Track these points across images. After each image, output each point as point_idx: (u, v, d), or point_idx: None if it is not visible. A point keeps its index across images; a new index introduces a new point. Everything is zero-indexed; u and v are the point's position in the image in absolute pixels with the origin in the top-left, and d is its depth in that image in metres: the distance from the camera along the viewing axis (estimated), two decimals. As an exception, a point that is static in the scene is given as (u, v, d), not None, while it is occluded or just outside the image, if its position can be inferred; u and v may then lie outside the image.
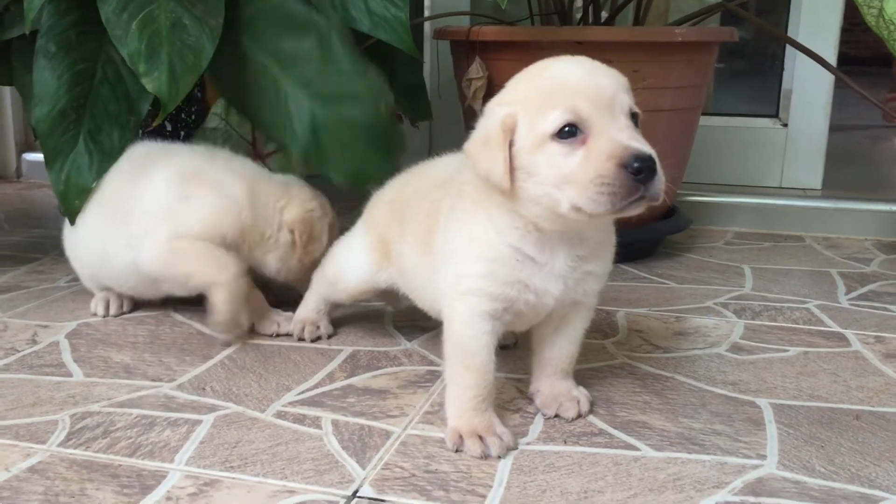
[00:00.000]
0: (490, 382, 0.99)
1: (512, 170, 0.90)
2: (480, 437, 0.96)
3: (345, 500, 0.87)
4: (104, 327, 1.37)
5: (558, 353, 1.07)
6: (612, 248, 1.03)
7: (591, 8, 1.80)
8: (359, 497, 0.88)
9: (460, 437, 0.97)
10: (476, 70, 1.71)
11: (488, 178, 0.91)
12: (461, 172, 1.01)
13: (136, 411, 1.07)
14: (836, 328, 1.40)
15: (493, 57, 1.71)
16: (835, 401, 1.12)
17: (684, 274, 1.72)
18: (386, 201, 1.19)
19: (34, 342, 1.30)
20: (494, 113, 0.93)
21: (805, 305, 1.52)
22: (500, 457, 0.95)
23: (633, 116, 0.91)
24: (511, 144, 0.90)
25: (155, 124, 1.34)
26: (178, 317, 1.42)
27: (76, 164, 1.42)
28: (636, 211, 0.89)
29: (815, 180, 2.24)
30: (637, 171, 0.84)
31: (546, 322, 1.05)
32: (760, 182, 2.28)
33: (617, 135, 0.86)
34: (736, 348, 1.31)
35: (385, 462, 0.95)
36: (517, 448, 0.98)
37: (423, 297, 1.11)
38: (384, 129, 1.32)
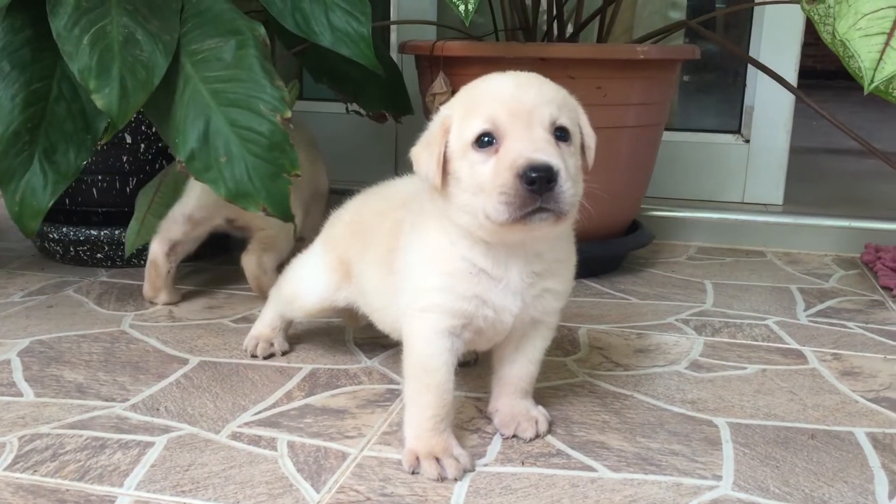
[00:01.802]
0: (449, 402, 0.99)
1: (445, 174, 0.93)
2: (437, 459, 0.96)
3: (298, 526, 0.86)
4: (58, 345, 1.34)
5: (518, 372, 1.07)
6: (572, 267, 1.03)
7: (555, 24, 1.81)
8: (312, 522, 0.86)
9: (417, 458, 0.96)
10: (440, 85, 1.71)
11: (426, 179, 0.94)
12: (422, 191, 1.01)
13: (86, 433, 1.04)
14: (794, 345, 1.41)
15: (458, 72, 1.71)
16: (791, 419, 1.12)
17: (646, 289, 1.73)
18: (345, 221, 1.18)
19: (-16, 360, 1.27)
20: (438, 116, 0.96)
21: (764, 322, 1.53)
22: (456, 479, 0.95)
23: (560, 130, 0.91)
24: (446, 147, 0.93)
25: (104, 141, 1.32)
26: (135, 333, 1.40)
27: (31, 185, 1.39)
28: (542, 225, 0.88)
29: (777, 196, 2.26)
30: (530, 181, 0.85)
31: (506, 341, 1.05)
32: (723, 197, 2.30)
33: (523, 145, 0.87)
34: (695, 366, 1.31)
35: (340, 485, 0.93)
36: (474, 470, 0.97)
37: (384, 317, 1.10)
38: (279, 145, 1.27)
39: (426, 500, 0.91)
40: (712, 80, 2.50)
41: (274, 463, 0.98)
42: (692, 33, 2.26)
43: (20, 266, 1.79)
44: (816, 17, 1.32)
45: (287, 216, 1.29)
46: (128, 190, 1.76)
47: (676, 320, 1.53)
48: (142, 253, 1.77)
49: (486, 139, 0.89)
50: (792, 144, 2.27)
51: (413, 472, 0.96)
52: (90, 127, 1.41)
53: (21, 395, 1.15)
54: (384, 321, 1.11)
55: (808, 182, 2.66)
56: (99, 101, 1.26)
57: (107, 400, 1.14)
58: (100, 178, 1.74)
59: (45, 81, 1.39)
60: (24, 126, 1.37)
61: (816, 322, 1.53)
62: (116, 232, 1.74)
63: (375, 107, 1.75)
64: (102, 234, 1.74)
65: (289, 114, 1.27)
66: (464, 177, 0.91)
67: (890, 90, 1.35)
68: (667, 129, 2.23)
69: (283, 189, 1.26)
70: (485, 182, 0.88)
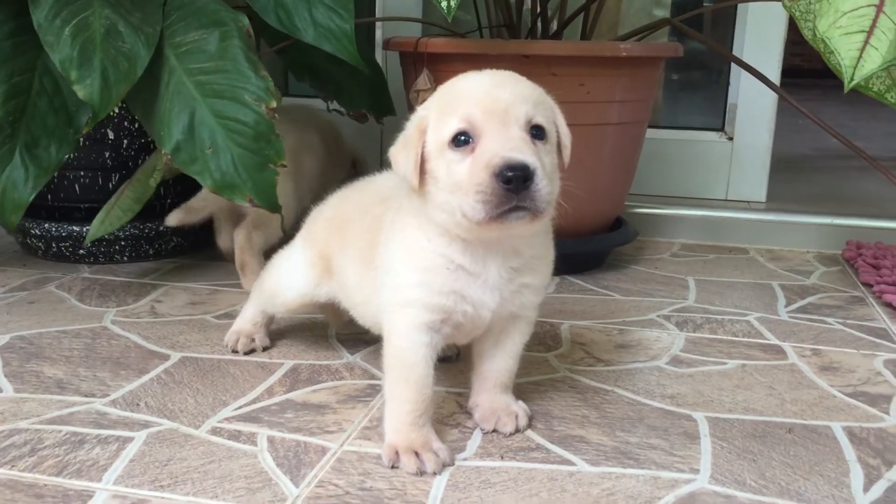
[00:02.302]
0: (428, 397, 0.99)
1: (423, 173, 0.93)
2: (417, 454, 0.96)
3: (276, 520, 0.86)
4: (38, 340, 1.33)
5: (497, 366, 1.07)
6: (549, 262, 1.04)
7: (539, 21, 1.81)
8: (290, 516, 0.87)
9: (396, 453, 0.97)
10: (424, 81, 1.71)
11: (404, 178, 0.94)
12: (401, 188, 1.01)
13: (66, 428, 1.04)
14: (774, 341, 1.42)
15: (441, 69, 1.71)
16: (769, 414, 1.13)
17: (630, 286, 1.74)
18: (326, 217, 1.19)
19: (-36, 356, 1.27)
20: (414, 116, 0.96)
21: (746, 318, 1.54)
22: (435, 473, 0.95)
23: (536, 128, 0.91)
24: (423, 147, 0.93)
25: (85, 131, 1.31)
26: (116, 329, 1.40)
27: (11, 179, 1.39)
28: (520, 223, 0.88)
29: (760, 193, 2.28)
30: (507, 180, 0.85)
31: (485, 336, 1.05)
32: (707, 195, 2.31)
33: (499, 144, 0.87)
34: (676, 361, 1.32)
35: (319, 479, 0.93)
36: (454, 464, 0.98)
37: (365, 312, 1.11)
38: (264, 136, 1.27)
39: (405, 494, 0.91)
40: (696, 77, 2.51)
41: (253, 458, 0.98)
42: (678, 32, 2.26)
43: (1, 262, 1.78)
44: (798, 14, 1.33)
45: (274, 207, 1.29)
46: (110, 186, 1.76)
47: (658, 316, 1.54)
48: (126, 249, 1.77)
49: (462, 138, 0.89)
50: (776, 143, 2.28)
51: (392, 467, 0.96)
52: (72, 121, 1.40)
53: (0, 390, 1.15)
54: (365, 316, 1.11)
55: (792, 180, 2.68)
56: (80, 91, 1.25)
57: (86, 395, 1.14)
58: (82, 173, 1.74)
59: (27, 75, 1.39)
60: (6, 119, 1.37)
61: (797, 318, 1.55)
62: (99, 228, 1.73)
63: (356, 106, 1.75)
64: (84, 230, 1.73)
65: (274, 104, 1.27)
66: (441, 176, 0.91)
67: (870, 85, 1.37)
68: (651, 127, 2.24)
69: (270, 179, 1.26)
70: (461, 181, 0.89)
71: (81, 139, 1.71)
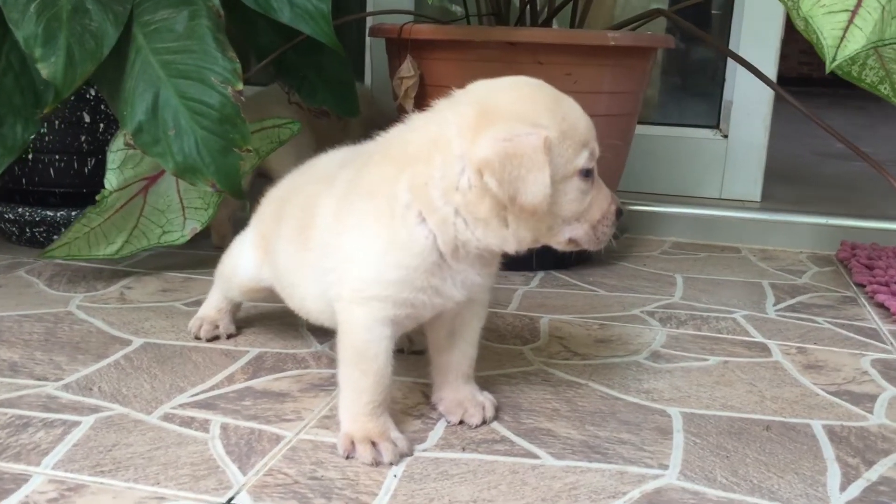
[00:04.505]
0: (386, 387, 0.95)
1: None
2: (373, 443, 0.92)
3: (218, 508, 0.82)
4: (-1, 324, 1.30)
5: (458, 357, 1.03)
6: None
7: (527, 9, 1.77)
8: (233, 504, 0.82)
9: (352, 442, 0.92)
10: (407, 69, 1.67)
11: (520, 200, 0.84)
12: (365, 170, 0.95)
13: (11, 411, 1.00)
14: (759, 338, 1.37)
15: (426, 56, 1.67)
16: (747, 411, 1.09)
17: (615, 282, 1.69)
18: (275, 197, 1.15)
19: (-81, 338, 1.23)
20: (523, 132, 0.85)
21: (732, 315, 1.50)
22: (392, 463, 0.91)
23: None
24: None
25: (47, 111, 1.27)
26: (81, 315, 1.36)
27: (-24, 159, 1.35)
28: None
29: (755, 192, 2.23)
30: (618, 216, 0.95)
31: (438, 325, 1.01)
32: (700, 193, 2.26)
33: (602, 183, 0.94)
34: (655, 356, 1.27)
35: (269, 468, 0.89)
36: (412, 455, 0.93)
37: (292, 295, 1.07)
38: (229, 119, 1.23)
39: (357, 485, 0.87)
40: (691, 73, 2.46)
41: (203, 444, 0.94)
42: (680, 27, 2.22)
43: (-24, 247, 1.74)
44: (790, 4, 1.28)
45: (237, 193, 1.25)
46: (86, 171, 1.72)
47: (642, 312, 1.49)
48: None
49: (590, 170, 0.91)
50: (776, 147, 2.24)
51: (348, 457, 0.92)
52: (39, 100, 1.37)
53: (-50, 372, 1.11)
54: (292, 298, 1.08)
55: (790, 182, 2.63)
56: (44, 70, 1.22)
57: (39, 379, 1.10)
58: (57, 157, 1.70)
59: (-7, 53, 1.35)
60: (-30, 98, 1.33)
61: (784, 316, 1.50)
62: (73, 213, 1.69)
63: (318, 102, 1.66)
64: (59, 215, 1.70)
65: (240, 86, 1.23)
66: (562, 202, 0.89)
67: (862, 76, 1.32)
68: (644, 123, 2.21)
69: (234, 164, 1.22)
70: (586, 211, 0.91)
71: (57, 122, 1.68)
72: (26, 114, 1.36)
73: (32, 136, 1.36)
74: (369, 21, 2.30)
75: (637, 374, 1.20)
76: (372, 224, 0.91)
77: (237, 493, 0.84)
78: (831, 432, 1.03)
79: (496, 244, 0.91)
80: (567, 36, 1.62)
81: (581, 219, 0.92)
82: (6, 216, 1.72)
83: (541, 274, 1.72)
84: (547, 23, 1.80)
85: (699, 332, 1.39)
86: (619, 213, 0.96)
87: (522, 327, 1.38)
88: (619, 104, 1.71)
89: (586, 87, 1.64)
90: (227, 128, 1.22)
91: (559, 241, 0.94)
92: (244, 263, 1.18)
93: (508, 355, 1.25)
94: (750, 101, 2.20)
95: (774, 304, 1.57)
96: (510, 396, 1.10)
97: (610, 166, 1.75)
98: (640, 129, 2.17)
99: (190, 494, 0.84)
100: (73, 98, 1.66)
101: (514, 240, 0.91)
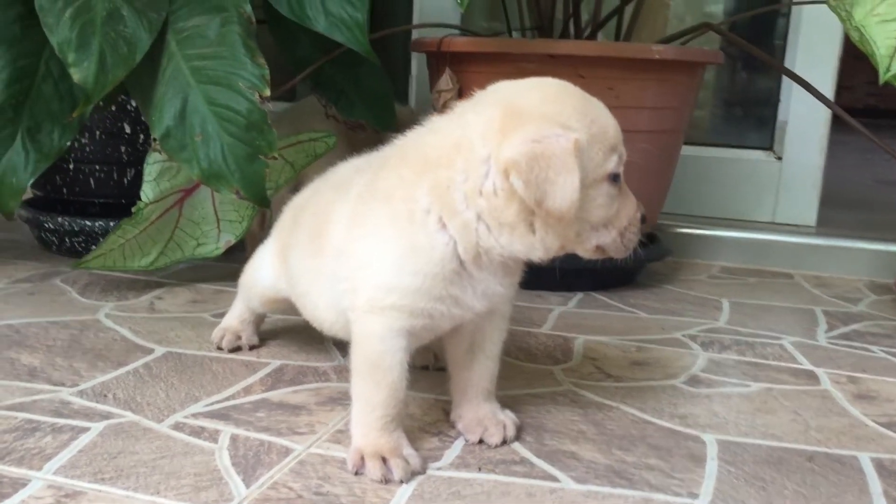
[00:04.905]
0: (400, 401, 0.90)
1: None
2: (384, 459, 0.87)
3: (215, 521, 0.78)
4: (26, 329, 1.29)
5: (478, 373, 0.98)
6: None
7: (570, 22, 1.73)
8: (232, 518, 0.79)
9: (362, 458, 0.88)
10: (446, 82, 1.64)
11: (547, 204, 0.80)
12: (381, 174, 0.92)
13: (22, 415, 0.98)
14: (807, 366, 1.30)
15: (464, 69, 1.64)
16: (789, 440, 1.01)
17: (657, 305, 1.63)
18: (294, 205, 1.12)
19: (-54, 341, 1.23)
20: (553, 133, 0.81)
21: (779, 341, 1.42)
22: (402, 481, 0.86)
23: None
24: None
25: (76, 114, 1.27)
26: (108, 323, 1.34)
27: (12, 164, 1.36)
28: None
29: (810, 217, 2.14)
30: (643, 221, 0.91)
31: (458, 339, 0.96)
32: (752, 216, 2.18)
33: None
34: (693, 381, 1.21)
35: (274, 481, 0.86)
36: (425, 473, 0.89)
37: (306, 304, 1.04)
38: (256, 125, 1.20)
39: (363, 502, 0.82)
40: (744, 92, 2.38)
41: (210, 455, 0.91)
42: (731, 42, 2.16)
43: (16, 255, 1.76)
44: (843, 14, 1.22)
45: (262, 201, 1.23)
46: (125, 181, 1.73)
47: (683, 335, 1.43)
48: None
49: (618, 175, 0.87)
50: (835, 173, 2.14)
51: (357, 473, 0.88)
52: (77, 107, 1.37)
53: (-30, 375, 1.10)
54: (306, 308, 1.05)
55: (849, 207, 2.52)
56: (76, 74, 1.22)
57: (56, 384, 1.09)
58: (97, 167, 1.71)
59: (33, 59, 1.36)
60: (8, 103, 1.34)
61: (836, 344, 1.41)
62: (111, 224, 1.69)
63: (355, 115, 1.64)
64: (97, 225, 1.70)
65: (268, 92, 1.21)
66: (590, 207, 0.85)
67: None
68: (694, 144, 2.14)
69: (259, 172, 1.20)
70: (614, 217, 0.88)
71: (98, 132, 1.69)
72: (64, 120, 1.36)
73: (69, 143, 1.36)
74: (415, 36, 2.29)
75: (672, 399, 1.13)
76: (389, 229, 0.87)
77: (237, 505, 0.81)
78: (880, 466, 0.95)
79: (522, 251, 0.87)
80: (609, 49, 1.58)
81: (609, 225, 0.88)
82: (46, 226, 1.74)
83: (580, 295, 1.67)
84: (591, 37, 1.75)
85: (742, 358, 1.32)
86: (644, 218, 0.91)
87: (555, 347, 1.33)
88: (663, 120, 1.66)
89: (629, 101, 1.59)
90: (254, 134, 1.20)
91: (586, 249, 0.89)
92: (264, 273, 1.16)
93: (537, 375, 1.20)
94: (806, 121, 2.11)
95: (826, 332, 1.49)
96: (535, 417, 1.05)
97: (650, 183, 1.69)
98: (690, 150, 2.11)
99: (188, 505, 0.80)
100: (113, 108, 1.67)
101: (542, 247, 0.86)
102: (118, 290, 1.54)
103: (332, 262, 0.94)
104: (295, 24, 1.41)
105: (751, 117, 2.31)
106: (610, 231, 0.88)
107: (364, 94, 1.61)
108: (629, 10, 1.75)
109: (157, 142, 1.23)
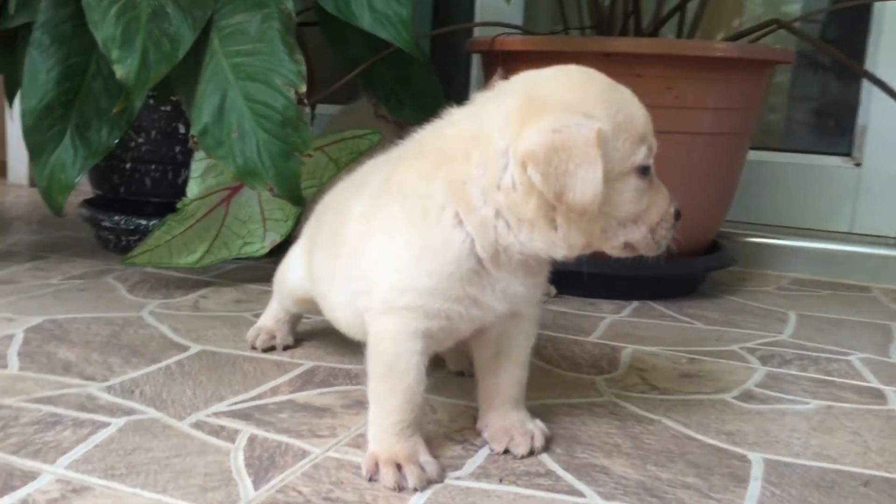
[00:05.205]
0: (418, 406, 0.86)
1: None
2: (399, 466, 0.83)
3: (217, 523, 0.75)
4: (68, 325, 1.30)
5: (505, 379, 0.93)
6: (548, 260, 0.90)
7: (630, 20, 1.67)
8: (234, 520, 0.76)
9: (377, 464, 0.84)
10: (497, 81, 1.60)
11: (567, 197, 0.75)
12: (397, 169, 0.88)
13: (47, 408, 0.98)
14: (875, 384, 1.20)
15: (518, 68, 1.58)
16: (845, 462, 0.93)
17: (717, 316, 1.54)
18: (322, 203, 1.10)
19: (-9, 333, 1.25)
20: (573, 122, 0.76)
21: (847, 357, 1.32)
22: (416, 489, 0.82)
23: None
24: None
25: (116, 110, 1.27)
26: (150, 320, 1.35)
27: (61, 160, 1.37)
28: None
29: (890, 227, 2.01)
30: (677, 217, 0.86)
31: (484, 344, 0.92)
32: (828, 226, 2.06)
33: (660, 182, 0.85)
34: (746, 396, 1.13)
35: (284, 484, 0.83)
36: (442, 482, 0.84)
37: (325, 305, 1.01)
38: (291, 122, 1.18)
39: (372, 510, 0.78)
40: (820, 95, 2.26)
41: (225, 455, 0.88)
42: (803, 40, 2.05)
43: (75, 253, 1.79)
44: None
45: (296, 199, 1.21)
46: (179, 181, 1.74)
47: (741, 348, 1.35)
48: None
49: (648, 167, 0.82)
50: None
51: (371, 479, 0.84)
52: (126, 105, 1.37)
53: (6, 367, 1.11)
54: (325, 308, 1.02)
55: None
56: (119, 70, 1.22)
57: (87, 379, 1.08)
58: (153, 167, 1.73)
59: (84, 57, 1.38)
60: (59, 100, 1.36)
61: (910, 361, 1.31)
62: (164, 223, 1.71)
63: (404, 115, 1.62)
64: (151, 224, 1.72)
65: (303, 88, 1.19)
66: (618, 202, 0.80)
67: None
68: (765, 149, 2.05)
69: (294, 169, 1.18)
70: (644, 212, 0.83)
71: (154, 132, 1.71)
72: (113, 118, 1.37)
73: (116, 140, 1.37)
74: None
75: (721, 414, 1.06)
76: (403, 227, 0.83)
77: (242, 508, 0.78)
78: (946, 494, 0.86)
79: (543, 249, 0.82)
80: (668, 46, 1.51)
81: (638, 221, 0.83)
82: (104, 224, 1.76)
83: (635, 303, 1.60)
84: (653, 35, 1.68)
85: (804, 373, 1.23)
86: (678, 214, 0.85)
87: (601, 356, 1.27)
88: (727, 122, 1.58)
89: (689, 102, 1.52)
90: (289, 131, 1.19)
91: (614, 246, 0.84)
92: (293, 272, 1.14)
93: (577, 384, 1.14)
94: (887, 126, 1.99)
95: (900, 348, 1.39)
96: (569, 428, 0.99)
97: (712, 189, 1.60)
98: (762, 156, 2.02)
99: (192, 506, 0.78)
100: (168, 108, 1.68)
101: (564, 244, 0.81)
102: (167, 288, 1.55)
103: (346, 262, 0.91)
104: (345, 24, 1.40)
105: (828, 121, 2.19)
106: (639, 227, 0.83)
107: (414, 93, 1.59)
108: (693, 7, 1.68)
109: (195, 138, 1.23)
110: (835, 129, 2.14)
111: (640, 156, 0.80)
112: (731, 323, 1.50)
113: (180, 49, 1.25)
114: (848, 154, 2.06)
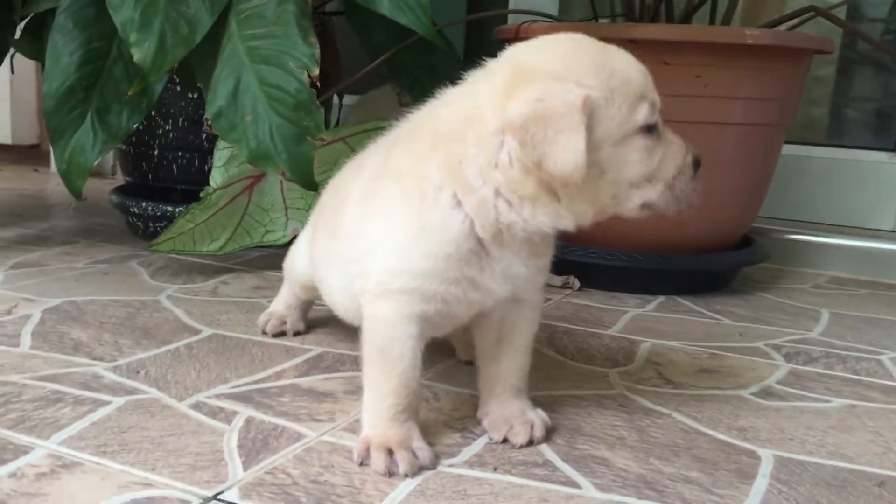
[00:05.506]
0: (413, 391, 0.85)
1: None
2: (390, 451, 0.82)
3: (200, 502, 0.74)
4: (86, 306, 1.31)
5: (507, 366, 0.91)
6: (553, 239, 0.87)
7: (662, 8, 1.62)
8: (218, 500, 0.75)
9: (368, 449, 0.83)
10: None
11: (547, 166, 0.73)
12: (393, 151, 0.86)
13: (51, 386, 0.99)
14: (904, 383, 1.15)
15: (544, 57, 1.56)
16: (861, 462, 0.89)
17: (746, 312, 1.50)
18: (328, 187, 1.09)
19: (9, 313, 1.26)
20: (558, 90, 0.74)
21: (877, 356, 1.27)
22: (407, 475, 0.80)
23: None
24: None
25: (130, 93, 1.27)
26: (167, 304, 1.35)
27: (80, 143, 1.39)
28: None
29: (936, 225, 1.93)
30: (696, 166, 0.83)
31: (485, 330, 0.90)
32: (870, 224, 1.99)
33: (674, 134, 0.83)
34: (765, 392, 1.09)
35: (274, 466, 0.81)
36: (434, 468, 0.83)
37: (323, 289, 1.00)
38: (304, 105, 1.17)
39: (359, 494, 0.77)
40: (864, 87, 2.18)
41: (219, 436, 0.88)
42: (842, 28, 1.98)
43: (104, 238, 1.81)
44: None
45: (309, 184, 1.20)
46: (206, 168, 1.74)
47: (766, 345, 1.30)
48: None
49: (653, 125, 0.79)
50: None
51: (362, 464, 0.82)
52: (146, 89, 1.38)
53: (18, 345, 1.12)
54: (324, 292, 1.01)
55: None
56: (136, 54, 1.23)
57: (95, 359, 1.09)
58: (180, 154, 1.74)
59: (106, 41, 1.39)
60: (80, 83, 1.37)
61: (946, 362, 1.25)
62: (190, 209, 1.72)
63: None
64: (178, 210, 1.73)
65: (316, 71, 1.18)
66: (624, 165, 0.78)
67: None
68: (805, 143, 1.98)
69: (306, 153, 1.17)
70: (656, 170, 0.80)
71: (181, 119, 1.72)
72: (132, 102, 1.39)
73: (136, 125, 1.38)
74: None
75: (735, 410, 1.02)
76: (399, 208, 0.81)
77: (227, 488, 0.77)
78: (966, 498, 0.82)
79: (548, 223, 0.79)
80: (696, 33, 1.46)
81: (653, 180, 0.80)
82: (133, 210, 1.78)
83: (661, 298, 1.56)
84: (684, 22, 1.64)
85: (829, 372, 1.19)
86: (697, 162, 0.82)
87: (618, 349, 1.24)
88: (760, 112, 1.53)
89: (720, 91, 1.47)
90: (301, 114, 1.18)
91: (630, 209, 0.81)
92: (299, 257, 1.13)
93: (590, 376, 1.11)
94: (935, 120, 1.91)
95: (937, 349, 1.32)
96: (573, 419, 0.96)
97: (743, 181, 1.55)
98: (801, 150, 1.96)
99: (178, 484, 0.77)
100: (196, 95, 1.69)
101: (570, 214, 0.79)
102: (188, 273, 1.55)
103: (343, 244, 0.89)
104: (370, 13, 1.38)
105: (871, 115, 2.12)
106: (655, 185, 0.80)
107: (438, 81, 1.56)
108: (726, -5, 1.63)
109: (209, 121, 1.22)
110: (878, 124, 2.06)
111: (642, 115, 0.77)
112: (759, 320, 1.45)
113: (198, 32, 1.25)
114: (893, 150, 1.98)
